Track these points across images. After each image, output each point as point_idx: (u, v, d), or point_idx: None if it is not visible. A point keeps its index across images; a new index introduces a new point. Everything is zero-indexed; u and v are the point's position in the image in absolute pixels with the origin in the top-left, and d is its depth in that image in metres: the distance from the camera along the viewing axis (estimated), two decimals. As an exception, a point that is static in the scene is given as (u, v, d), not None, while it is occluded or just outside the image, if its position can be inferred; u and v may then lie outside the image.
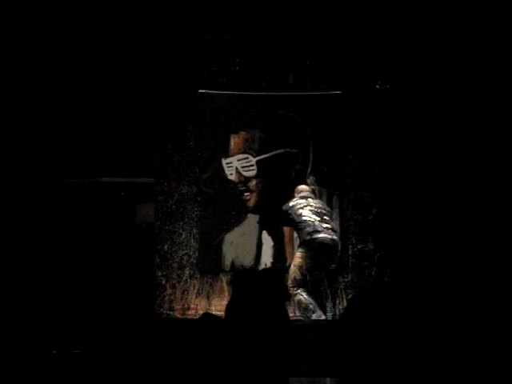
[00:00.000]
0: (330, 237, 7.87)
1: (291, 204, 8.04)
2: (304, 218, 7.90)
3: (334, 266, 8.24)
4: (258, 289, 2.28)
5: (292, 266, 7.91)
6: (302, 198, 8.12)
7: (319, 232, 7.84)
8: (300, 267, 7.83)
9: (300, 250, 7.90)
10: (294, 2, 8.62)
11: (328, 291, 8.58)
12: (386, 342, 1.91)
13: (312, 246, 7.81)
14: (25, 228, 8.46)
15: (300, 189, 8.26)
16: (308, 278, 7.85)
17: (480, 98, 8.51)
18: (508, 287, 8.10)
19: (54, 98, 8.62)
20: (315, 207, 8.04)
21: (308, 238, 7.82)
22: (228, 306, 2.29)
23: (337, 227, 8.32)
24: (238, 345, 2.21)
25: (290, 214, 7.99)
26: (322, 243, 7.83)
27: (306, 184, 8.46)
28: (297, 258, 7.91)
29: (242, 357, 2.20)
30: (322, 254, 7.86)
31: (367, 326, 1.94)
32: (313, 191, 8.42)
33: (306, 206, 8.01)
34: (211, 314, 2.35)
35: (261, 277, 2.33)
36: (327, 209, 8.21)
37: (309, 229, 7.84)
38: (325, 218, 7.99)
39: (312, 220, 7.89)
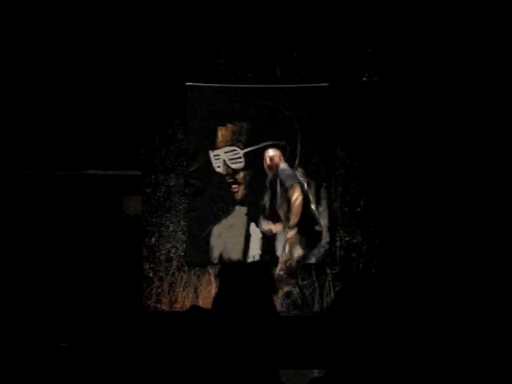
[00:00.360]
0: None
1: None
2: None
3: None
4: (245, 282, 2.27)
5: (289, 252, 7.83)
6: None
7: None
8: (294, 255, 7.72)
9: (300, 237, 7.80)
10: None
11: (316, 283, 8.59)
12: (372, 334, 1.91)
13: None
14: (11, 221, 8.43)
15: None
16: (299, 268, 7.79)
17: (468, 88, 8.52)
18: (496, 279, 8.12)
19: (39, 92, 8.57)
20: None
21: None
22: (215, 299, 2.28)
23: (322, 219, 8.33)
24: (225, 337, 2.20)
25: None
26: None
27: None
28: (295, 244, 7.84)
29: (230, 349, 2.19)
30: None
31: (354, 318, 1.94)
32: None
33: None
34: (198, 307, 2.34)
35: (248, 270, 2.32)
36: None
37: None
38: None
39: None
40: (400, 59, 8.65)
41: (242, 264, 2.72)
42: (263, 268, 2.34)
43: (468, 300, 7.97)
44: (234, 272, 2.31)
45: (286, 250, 8.32)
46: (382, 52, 8.70)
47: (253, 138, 8.69)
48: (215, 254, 8.57)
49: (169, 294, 8.52)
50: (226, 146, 8.69)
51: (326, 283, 8.59)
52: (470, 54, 8.51)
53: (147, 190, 8.68)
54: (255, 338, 2.23)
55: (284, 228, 8.47)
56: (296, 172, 8.61)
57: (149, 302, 8.50)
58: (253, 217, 8.63)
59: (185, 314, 2.33)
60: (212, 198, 8.63)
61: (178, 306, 8.44)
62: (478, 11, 8.44)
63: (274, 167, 8.41)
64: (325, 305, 8.43)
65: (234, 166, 8.68)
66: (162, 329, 2.31)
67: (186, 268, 8.60)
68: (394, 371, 1.90)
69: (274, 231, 8.42)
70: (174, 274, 8.59)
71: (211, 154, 8.66)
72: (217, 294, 2.28)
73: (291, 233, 8.36)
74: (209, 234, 8.61)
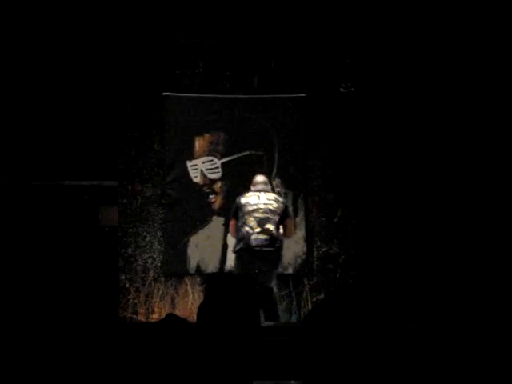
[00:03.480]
0: (263, 239, 7.42)
1: (242, 200, 7.56)
2: (246, 217, 7.47)
3: (276, 271, 7.71)
4: (233, 293, 2.26)
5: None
6: (256, 191, 7.64)
7: (253, 235, 7.41)
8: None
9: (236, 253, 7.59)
10: (259, 5, 8.62)
11: (293, 294, 8.58)
12: (349, 345, 1.90)
13: (245, 249, 7.43)
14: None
15: (255, 181, 7.75)
16: None
17: (447, 98, 8.57)
18: (476, 287, 8.15)
19: (16, 102, 8.52)
20: (264, 204, 7.51)
21: (241, 243, 7.46)
22: (201, 307, 2.27)
23: (300, 231, 8.30)
24: (206, 347, 2.19)
25: (239, 208, 7.53)
26: (255, 247, 7.40)
27: (263, 174, 8.00)
28: (233, 260, 7.74)
29: (208, 359, 2.18)
30: (256, 259, 7.43)
31: (330, 329, 1.93)
32: (269, 183, 7.93)
33: (255, 204, 7.52)
34: (175, 315, 2.33)
35: (235, 281, 2.31)
36: (278, 204, 7.58)
37: (244, 231, 7.44)
38: (269, 216, 7.48)
39: (251, 223, 7.45)
40: (377, 70, 8.69)
41: (230, 275, 2.71)
42: (251, 281, 2.34)
43: (447, 310, 7.99)
44: (222, 282, 2.30)
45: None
46: (360, 63, 8.74)
47: (230, 148, 8.69)
48: (192, 264, 8.55)
49: (145, 304, 8.48)
50: (203, 156, 8.67)
51: (303, 293, 8.58)
52: (448, 64, 8.56)
53: (124, 201, 8.64)
54: (236, 349, 2.21)
55: None
56: (273, 182, 8.59)
57: (125, 313, 8.45)
58: (230, 227, 8.62)
59: (161, 323, 2.31)
60: (189, 208, 8.61)
61: (154, 316, 8.40)
62: (455, 23, 8.49)
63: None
64: (302, 315, 8.42)
65: (211, 176, 8.66)
66: (137, 337, 2.29)
67: (162, 279, 8.57)
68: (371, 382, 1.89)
69: None
70: (150, 284, 8.55)
71: (188, 164, 8.64)
72: (203, 303, 2.27)
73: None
74: (186, 245, 8.59)
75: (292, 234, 7.90)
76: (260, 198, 7.59)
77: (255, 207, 7.52)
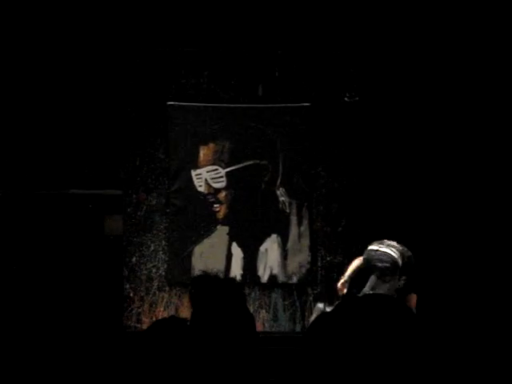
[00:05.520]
0: None
1: None
2: None
3: None
4: (219, 298, 2.26)
5: None
6: None
7: None
8: None
9: None
10: (263, 15, 8.63)
11: (297, 303, 8.57)
12: (351, 356, 1.89)
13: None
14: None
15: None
16: None
17: (451, 108, 8.57)
18: (484, 294, 8.14)
19: (20, 111, 8.54)
20: None
21: None
22: (193, 314, 2.26)
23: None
24: (204, 350, 2.18)
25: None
26: None
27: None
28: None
29: (208, 361, 2.17)
30: None
31: (333, 340, 1.92)
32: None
33: None
34: (177, 317, 2.32)
35: (221, 285, 2.31)
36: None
37: None
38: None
39: None
40: (382, 80, 8.69)
41: (214, 279, 2.69)
42: (236, 285, 2.33)
43: (455, 317, 7.98)
44: (208, 287, 2.29)
45: None
46: (364, 72, 8.74)
47: (235, 158, 8.69)
48: (196, 273, 8.53)
49: (149, 313, 8.47)
50: (207, 165, 8.67)
51: (308, 303, 8.57)
52: (452, 73, 8.56)
53: (128, 210, 8.64)
54: (234, 354, 2.21)
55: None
56: (277, 191, 8.60)
57: (129, 322, 8.44)
58: (234, 236, 8.61)
59: (163, 322, 2.31)
60: (193, 217, 8.61)
61: (158, 325, 8.38)
62: (461, 34, 8.50)
63: None
64: (306, 325, 8.41)
65: (215, 186, 8.66)
66: (140, 341, 2.29)
67: (167, 288, 8.56)
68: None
69: None
70: (154, 293, 8.55)
71: (193, 173, 8.64)
72: (193, 310, 2.26)
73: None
74: (190, 254, 8.58)
75: None
76: None
77: None
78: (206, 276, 2.61)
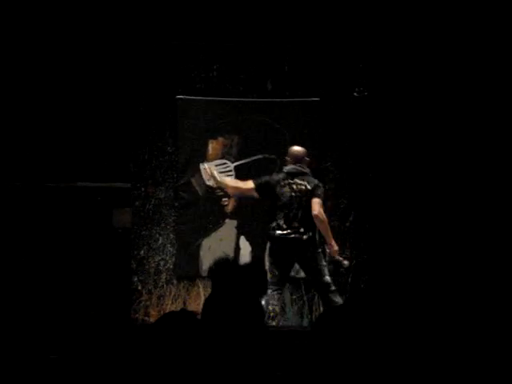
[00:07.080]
0: (291, 235, 7.53)
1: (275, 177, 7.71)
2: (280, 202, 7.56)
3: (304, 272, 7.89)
4: (238, 283, 2.26)
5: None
6: (287, 174, 7.72)
7: (281, 228, 7.55)
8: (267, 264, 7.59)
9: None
10: (273, 9, 8.63)
11: (305, 298, 8.58)
12: (358, 351, 1.90)
13: (271, 238, 7.62)
14: None
15: (289, 158, 7.83)
16: (276, 278, 7.51)
17: (459, 103, 8.56)
18: (486, 293, 8.13)
19: (29, 103, 8.55)
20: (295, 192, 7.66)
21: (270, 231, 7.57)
22: (207, 301, 2.26)
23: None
24: (213, 341, 2.19)
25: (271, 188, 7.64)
26: (280, 239, 7.53)
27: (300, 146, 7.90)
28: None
29: (218, 354, 2.18)
30: (284, 252, 7.54)
31: (340, 335, 1.92)
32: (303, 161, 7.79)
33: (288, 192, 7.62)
34: (187, 310, 2.32)
35: (242, 270, 2.31)
36: (308, 194, 7.63)
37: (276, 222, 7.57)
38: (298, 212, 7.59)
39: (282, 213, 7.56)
40: (391, 74, 8.68)
41: (235, 263, 2.69)
42: (258, 268, 2.33)
43: (459, 314, 7.97)
44: (227, 271, 2.30)
45: None
46: (373, 67, 8.73)
47: (243, 152, 8.69)
48: (204, 267, 8.54)
49: (157, 307, 8.49)
50: (216, 159, 8.68)
51: (315, 297, 8.57)
52: (460, 68, 8.55)
53: (137, 203, 8.65)
54: (241, 345, 2.21)
55: None
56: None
57: (137, 315, 8.46)
58: (243, 230, 8.62)
59: (173, 317, 2.31)
60: (202, 211, 8.62)
61: (166, 319, 8.39)
62: (467, 27, 8.48)
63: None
64: (313, 319, 8.41)
65: (224, 180, 8.66)
66: (149, 334, 2.29)
67: (174, 281, 8.58)
68: None
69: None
70: (162, 286, 8.56)
71: (201, 166, 8.65)
72: (209, 296, 2.26)
73: None
74: (198, 247, 8.59)
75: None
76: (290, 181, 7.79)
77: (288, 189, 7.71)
78: (229, 261, 2.61)
